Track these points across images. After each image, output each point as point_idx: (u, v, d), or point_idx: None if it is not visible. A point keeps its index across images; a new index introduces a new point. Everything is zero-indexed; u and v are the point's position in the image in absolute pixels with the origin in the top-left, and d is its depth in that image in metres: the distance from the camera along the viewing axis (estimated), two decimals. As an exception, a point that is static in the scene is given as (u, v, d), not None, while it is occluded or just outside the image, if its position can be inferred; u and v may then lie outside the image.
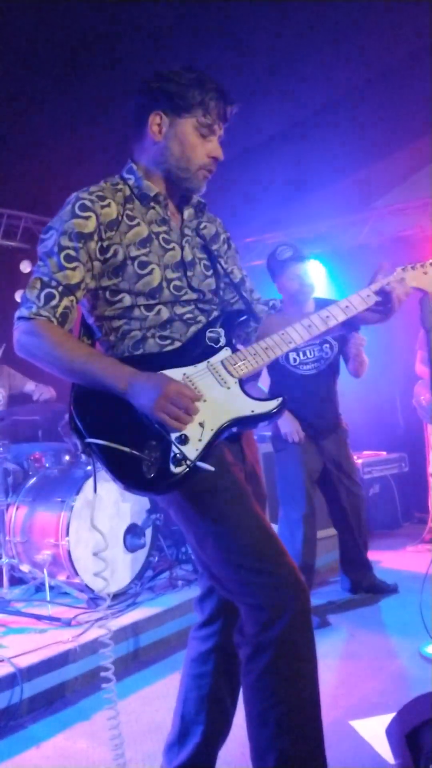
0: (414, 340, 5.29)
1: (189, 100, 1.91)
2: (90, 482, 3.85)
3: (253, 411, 1.87)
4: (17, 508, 4.03)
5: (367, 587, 4.16)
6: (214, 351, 1.91)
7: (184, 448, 1.77)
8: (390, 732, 2.12)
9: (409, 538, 5.54)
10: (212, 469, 1.76)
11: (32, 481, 4.16)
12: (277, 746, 1.69)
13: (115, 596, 3.76)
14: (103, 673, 1.92)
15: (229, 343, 1.94)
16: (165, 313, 1.91)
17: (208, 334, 1.93)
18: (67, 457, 4.61)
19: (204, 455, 1.77)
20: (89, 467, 3.99)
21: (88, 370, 1.80)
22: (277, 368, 4.01)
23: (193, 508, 1.82)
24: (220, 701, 2.00)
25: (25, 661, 2.95)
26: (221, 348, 1.92)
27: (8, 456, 4.25)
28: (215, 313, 2.01)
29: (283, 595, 1.72)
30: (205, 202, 2.08)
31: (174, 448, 1.76)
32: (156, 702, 2.95)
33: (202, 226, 2.09)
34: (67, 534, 3.68)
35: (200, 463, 1.76)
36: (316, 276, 3.93)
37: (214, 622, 2.01)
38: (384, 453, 6.04)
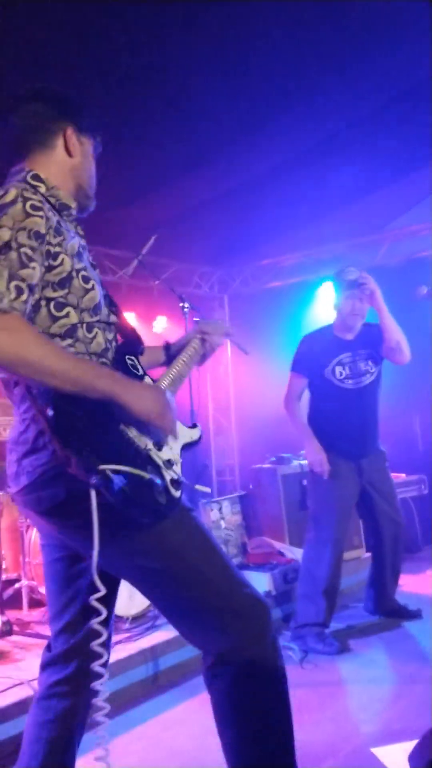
0: (433, 361, 5.28)
1: (92, 119, 1.80)
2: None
3: (192, 438, 1.89)
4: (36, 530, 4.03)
5: (389, 612, 4.10)
6: (139, 379, 1.79)
7: (175, 470, 1.72)
8: (412, 759, 2.08)
9: (429, 562, 5.47)
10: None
11: (51, 502, 4.15)
12: None
13: (135, 619, 3.74)
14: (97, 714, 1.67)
15: (145, 372, 1.84)
16: (101, 338, 1.74)
17: (127, 361, 1.79)
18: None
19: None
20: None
21: (80, 371, 1.55)
22: (318, 382, 3.95)
23: (160, 546, 1.67)
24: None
25: (44, 685, 2.93)
26: (143, 377, 1.81)
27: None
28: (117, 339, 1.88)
29: (248, 632, 1.70)
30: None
31: (168, 471, 1.69)
32: (175, 727, 2.92)
33: None
34: (86, 556, 3.67)
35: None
36: (365, 307, 3.89)
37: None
38: (403, 475, 5.99)
